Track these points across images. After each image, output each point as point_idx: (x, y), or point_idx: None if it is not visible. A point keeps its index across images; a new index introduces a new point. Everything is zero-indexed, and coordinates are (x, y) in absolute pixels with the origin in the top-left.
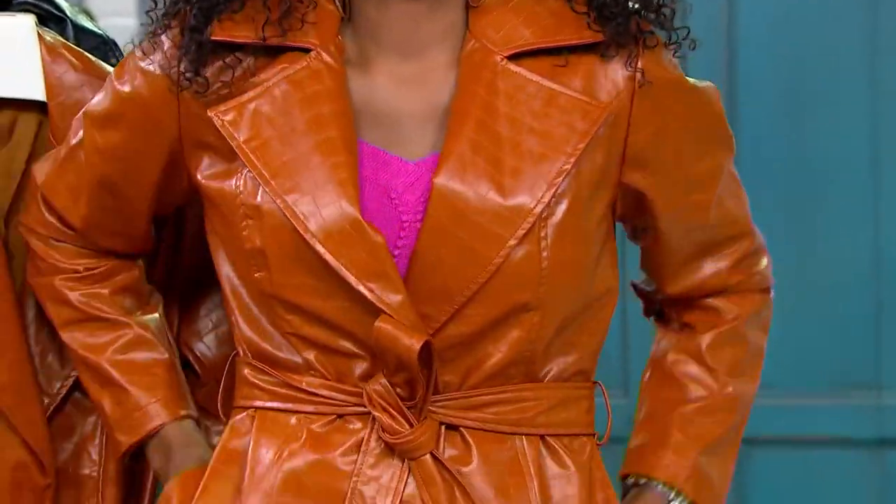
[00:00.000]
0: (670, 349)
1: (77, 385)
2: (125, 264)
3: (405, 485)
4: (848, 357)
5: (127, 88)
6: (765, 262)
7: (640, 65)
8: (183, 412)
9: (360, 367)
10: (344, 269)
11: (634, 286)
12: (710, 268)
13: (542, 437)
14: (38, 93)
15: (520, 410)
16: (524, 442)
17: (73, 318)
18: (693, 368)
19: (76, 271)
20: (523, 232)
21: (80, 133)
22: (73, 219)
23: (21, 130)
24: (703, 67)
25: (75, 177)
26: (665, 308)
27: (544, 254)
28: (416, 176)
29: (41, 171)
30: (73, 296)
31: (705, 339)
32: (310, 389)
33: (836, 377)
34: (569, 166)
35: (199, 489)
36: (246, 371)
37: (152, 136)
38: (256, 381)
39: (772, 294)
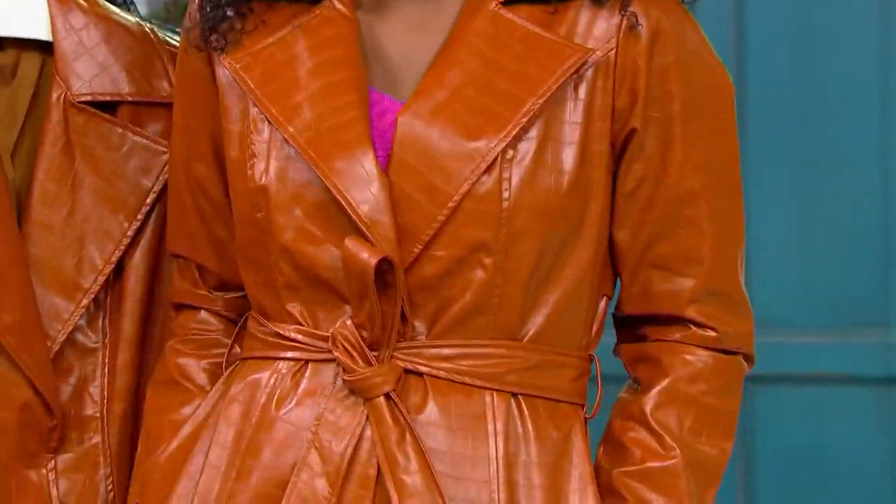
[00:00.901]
0: (617, 415)
1: (78, 327)
2: (227, 336)
3: (363, 428)
4: (855, 295)
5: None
6: (745, 327)
7: (631, 9)
8: None
9: (334, 318)
10: (346, 199)
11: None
12: (671, 284)
13: (514, 395)
14: (42, 32)
15: (491, 366)
16: (493, 398)
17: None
18: (637, 433)
19: (185, 335)
20: (482, 170)
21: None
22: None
23: (24, 70)
24: (710, 10)
25: (177, 204)
26: (621, 343)
27: (505, 194)
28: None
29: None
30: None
31: (648, 402)
32: (291, 336)
33: (843, 315)
34: (537, 107)
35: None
36: (248, 322)
37: (201, 108)
38: (254, 332)
39: (747, 366)
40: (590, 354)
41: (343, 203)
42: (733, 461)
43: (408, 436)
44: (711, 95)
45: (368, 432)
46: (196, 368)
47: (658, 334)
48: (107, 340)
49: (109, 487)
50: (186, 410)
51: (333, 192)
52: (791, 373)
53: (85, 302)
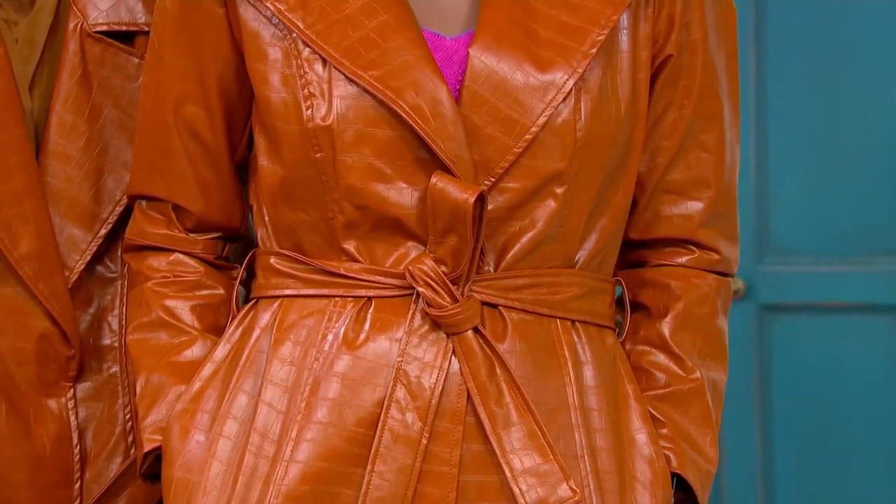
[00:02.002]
0: (636, 340)
1: (96, 258)
2: (213, 279)
3: (449, 363)
4: (873, 223)
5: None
6: (737, 251)
7: None
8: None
9: (397, 254)
10: (430, 135)
11: None
12: (682, 207)
13: (573, 322)
14: None
15: (555, 293)
16: (559, 325)
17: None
18: (659, 357)
19: (165, 276)
20: (559, 101)
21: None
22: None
23: (43, 0)
24: None
25: (155, 146)
26: (623, 279)
27: (579, 124)
28: (452, 50)
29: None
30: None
31: (666, 327)
32: (349, 274)
33: (861, 243)
34: (602, 38)
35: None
36: (272, 260)
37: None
38: (288, 270)
39: (731, 280)
40: (616, 279)
41: (427, 140)
42: (750, 390)
43: (498, 368)
44: (724, 21)
45: (455, 366)
46: (185, 309)
47: (661, 258)
48: (125, 270)
49: (128, 416)
50: (190, 353)
51: (416, 128)
52: (809, 302)
53: (103, 232)
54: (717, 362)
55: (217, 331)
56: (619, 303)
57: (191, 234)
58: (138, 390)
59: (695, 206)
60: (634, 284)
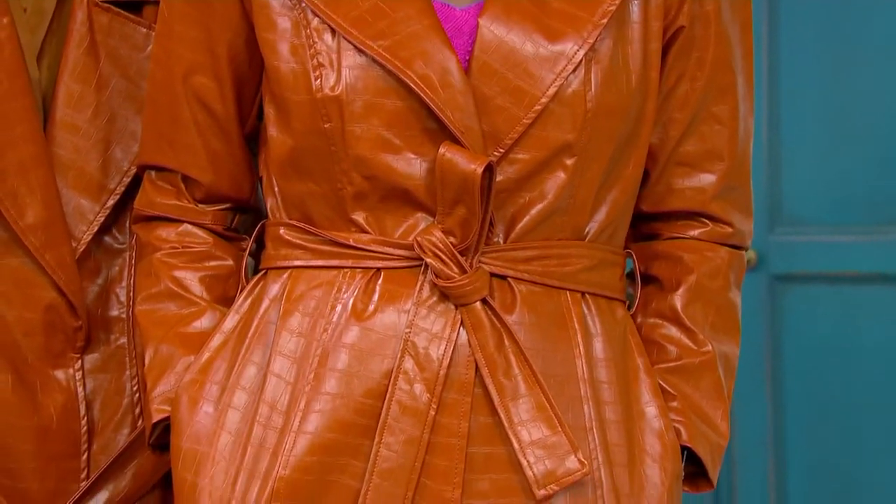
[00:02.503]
0: (647, 313)
1: (104, 228)
2: (222, 250)
3: (457, 334)
4: (884, 193)
5: None
6: (750, 224)
7: None
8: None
9: (406, 225)
10: (438, 106)
11: None
12: (695, 180)
13: (583, 294)
14: None
15: (564, 265)
16: (568, 297)
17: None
18: (671, 330)
19: (174, 247)
20: (569, 72)
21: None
22: (174, 156)
23: None
24: None
25: (165, 116)
26: (635, 252)
27: (589, 95)
28: (462, 20)
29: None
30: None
31: (678, 300)
32: (358, 245)
33: (872, 213)
34: (613, 8)
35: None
36: (282, 231)
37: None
38: (297, 241)
39: (745, 253)
40: (627, 251)
41: (436, 110)
42: (762, 361)
43: (506, 340)
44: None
45: (463, 337)
46: (193, 280)
47: (673, 231)
48: (134, 241)
49: (135, 388)
50: (199, 324)
51: (425, 98)
52: (820, 272)
53: (110, 203)
54: (729, 336)
55: (226, 302)
56: (631, 276)
57: (200, 205)
58: (147, 361)
59: (707, 179)
60: (646, 257)
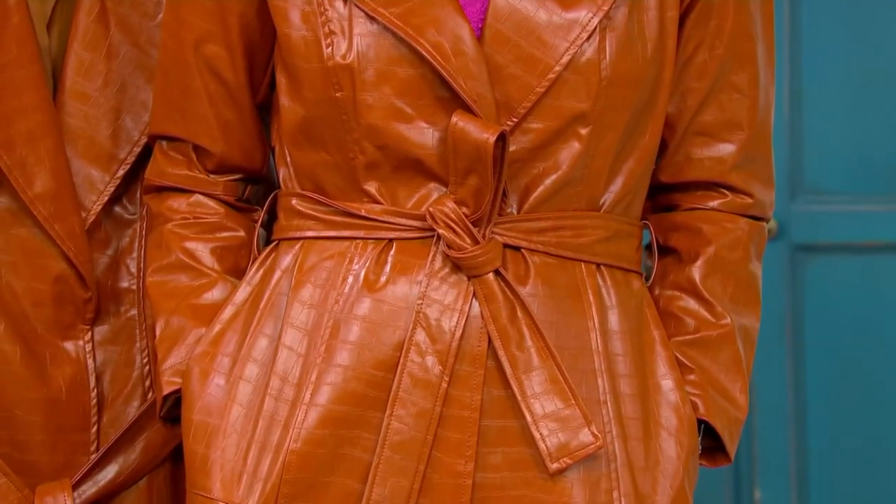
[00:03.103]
0: (665, 285)
1: (114, 199)
2: (234, 221)
3: (470, 306)
4: None
5: None
6: (772, 195)
7: None
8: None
9: (418, 195)
10: (450, 74)
11: None
12: (713, 150)
13: (598, 266)
14: None
15: (579, 236)
16: (583, 269)
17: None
18: (688, 303)
19: (185, 218)
20: (583, 40)
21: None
22: (186, 126)
23: None
24: None
25: (176, 85)
26: (653, 223)
27: (604, 63)
28: None
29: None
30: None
31: (696, 272)
32: (370, 216)
33: (895, 182)
34: None
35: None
36: (294, 202)
37: None
38: (309, 211)
39: (765, 224)
40: (644, 223)
41: (448, 79)
42: (782, 333)
43: (519, 311)
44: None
45: (476, 309)
46: (205, 252)
47: (692, 202)
48: (144, 212)
49: (145, 360)
50: (210, 295)
51: (437, 66)
52: (842, 242)
53: (121, 173)
54: (749, 308)
55: (237, 273)
56: (649, 248)
57: (211, 176)
58: (158, 333)
59: (727, 149)
60: (665, 228)
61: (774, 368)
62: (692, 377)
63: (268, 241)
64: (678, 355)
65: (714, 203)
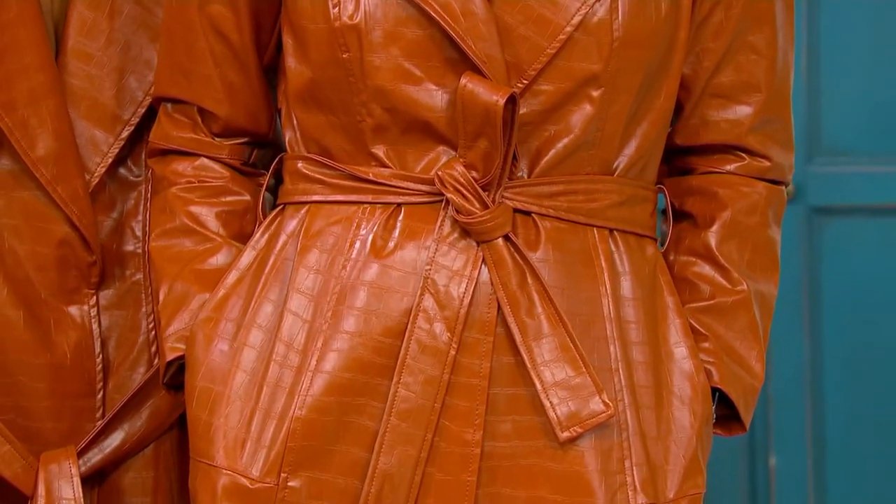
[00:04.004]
0: (679, 250)
1: (119, 161)
2: (239, 185)
3: (479, 271)
4: None
5: None
6: (791, 158)
7: None
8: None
9: (427, 159)
10: (459, 35)
11: None
12: (730, 112)
13: (611, 231)
14: None
15: (591, 200)
16: (595, 234)
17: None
18: (704, 268)
19: (190, 182)
20: (594, 0)
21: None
22: (190, 88)
23: None
24: None
25: (181, 46)
26: (668, 187)
27: (615, 24)
28: None
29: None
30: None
31: (712, 237)
32: (378, 180)
33: None
34: None
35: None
36: (300, 165)
37: None
38: (316, 175)
39: (784, 188)
40: (659, 187)
41: (457, 40)
42: (799, 296)
43: (529, 277)
44: None
45: (485, 275)
46: (209, 216)
47: (709, 165)
48: (149, 174)
49: (151, 325)
50: (215, 260)
51: (446, 27)
52: (861, 204)
53: (125, 134)
54: (766, 274)
55: (243, 238)
56: (664, 213)
57: (217, 139)
58: (161, 298)
59: (744, 111)
60: (680, 192)
61: (791, 334)
62: (707, 345)
63: (274, 207)
64: (693, 322)
65: (731, 166)
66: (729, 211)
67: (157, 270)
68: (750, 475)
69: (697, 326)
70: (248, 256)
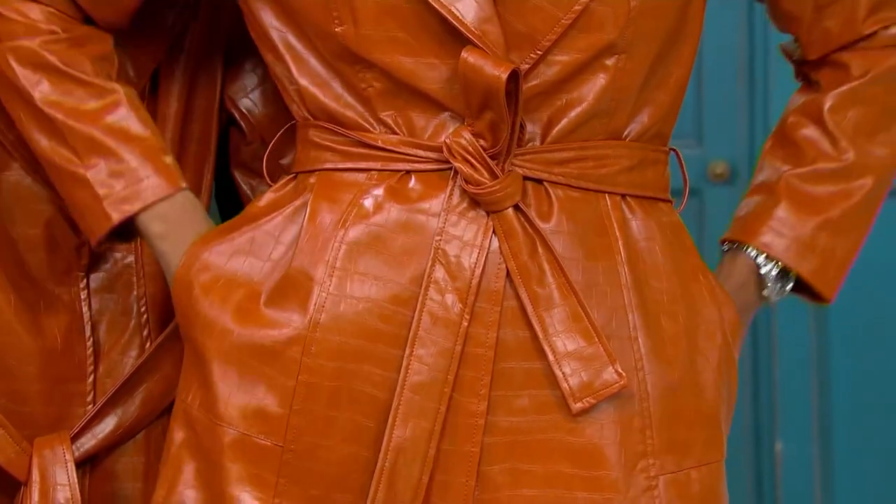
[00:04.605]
0: (793, 110)
1: None
2: (99, 33)
3: (490, 241)
4: None
5: None
6: None
7: None
8: (184, 185)
9: (435, 125)
10: (446, 7)
11: (782, 48)
12: (839, 14)
13: (623, 196)
14: None
15: (602, 166)
16: (608, 202)
17: (57, 83)
18: (811, 131)
19: (54, 32)
20: None
21: None
22: None
23: None
24: None
25: None
26: (805, 71)
27: None
28: None
29: None
30: (55, 59)
31: (828, 101)
32: (386, 147)
33: None
34: None
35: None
36: (311, 133)
37: None
38: (325, 143)
39: None
40: (672, 148)
41: (446, 15)
42: None
43: (540, 247)
44: None
45: (495, 245)
46: (86, 65)
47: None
48: None
49: (143, 309)
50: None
51: (433, 3)
52: None
53: None
54: (890, 139)
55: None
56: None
57: None
58: (104, 172)
59: (858, 3)
60: (818, 65)
61: (797, 318)
62: (783, 214)
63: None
64: (786, 186)
65: (862, 45)
66: (853, 78)
67: (67, 130)
68: (756, 460)
69: (790, 192)
70: (257, 221)
